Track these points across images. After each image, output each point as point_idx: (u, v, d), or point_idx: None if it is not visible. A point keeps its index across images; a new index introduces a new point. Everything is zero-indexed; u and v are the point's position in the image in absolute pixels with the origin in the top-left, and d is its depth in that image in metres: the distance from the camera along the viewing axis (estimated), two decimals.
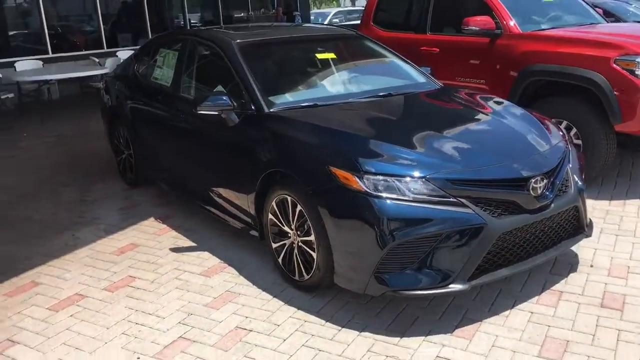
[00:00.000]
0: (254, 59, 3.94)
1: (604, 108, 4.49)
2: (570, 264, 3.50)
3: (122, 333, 3.00)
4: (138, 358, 2.78)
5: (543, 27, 5.30)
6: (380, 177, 2.83)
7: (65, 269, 3.78)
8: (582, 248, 3.69)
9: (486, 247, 2.81)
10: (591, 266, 3.48)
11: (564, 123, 4.75)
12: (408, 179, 2.83)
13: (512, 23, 5.16)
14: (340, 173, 2.90)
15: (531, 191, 2.92)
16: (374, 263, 2.80)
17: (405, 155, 2.96)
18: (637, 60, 4.33)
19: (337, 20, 23.30)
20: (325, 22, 23.46)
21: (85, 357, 2.81)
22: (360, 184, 2.83)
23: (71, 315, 3.20)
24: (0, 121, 8.56)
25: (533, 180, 2.92)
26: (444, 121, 3.52)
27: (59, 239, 4.28)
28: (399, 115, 3.57)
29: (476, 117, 3.59)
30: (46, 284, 3.59)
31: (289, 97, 3.74)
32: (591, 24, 5.65)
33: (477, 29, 5.22)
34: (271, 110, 3.57)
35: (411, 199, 2.79)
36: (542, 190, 2.96)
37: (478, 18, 5.24)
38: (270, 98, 3.66)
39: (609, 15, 10.63)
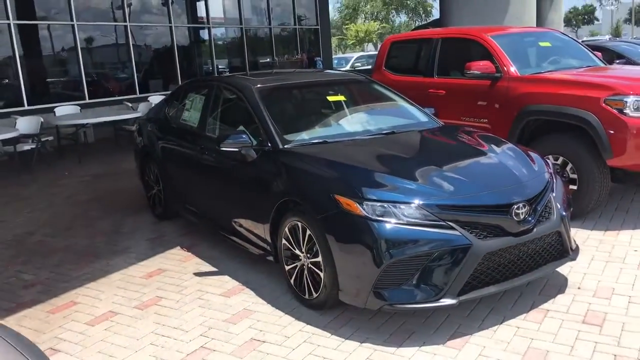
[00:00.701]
0: (271, 102, 4.41)
1: (596, 144, 4.82)
2: (559, 286, 3.79)
3: (150, 343, 3.39)
4: None
5: (541, 70, 5.68)
6: (378, 204, 3.21)
7: (100, 291, 4.20)
8: (572, 273, 3.98)
9: (473, 266, 3.15)
10: (578, 288, 3.76)
11: (560, 159, 5.08)
12: (403, 205, 3.20)
13: (511, 67, 5.56)
14: (343, 200, 3.29)
15: (514, 216, 3.26)
16: (373, 280, 3.15)
17: (401, 185, 3.35)
18: (624, 100, 4.67)
19: (359, 64, 24.10)
20: (348, 66, 24.31)
21: None
22: (360, 209, 3.21)
23: (105, 329, 3.61)
24: (42, 162, 9.20)
25: (516, 207, 3.27)
26: (439, 155, 3.91)
27: (94, 265, 4.72)
28: (398, 150, 3.96)
29: (468, 152, 3.98)
30: (83, 303, 4.01)
31: (301, 135, 4.18)
32: (588, 66, 6.02)
33: (478, 72, 5.63)
34: (285, 146, 4.01)
35: (405, 222, 3.16)
36: (525, 216, 3.30)
37: (480, 63, 5.66)
38: (285, 136, 4.10)
39: (620, 57, 11.00)
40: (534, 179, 3.56)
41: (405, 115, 4.75)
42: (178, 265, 4.63)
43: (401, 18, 52.14)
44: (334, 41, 57.69)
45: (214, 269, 4.49)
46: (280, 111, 4.46)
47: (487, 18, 10.36)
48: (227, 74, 15.71)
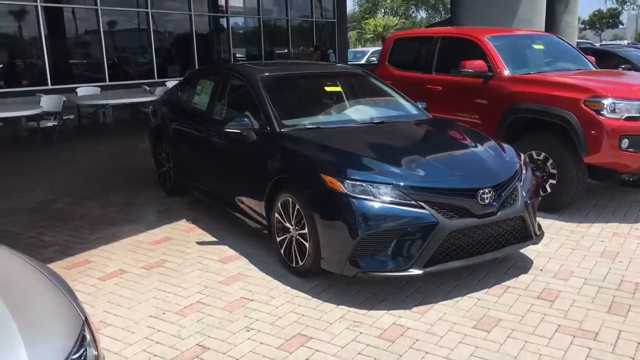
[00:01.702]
0: (273, 89, 4.83)
1: (575, 142, 5.17)
2: (524, 268, 4.18)
3: (153, 297, 3.84)
4: (164, 313, 3.61)
5: (531, 71, 6.03)
6: (358, 183, 3.62)
7: (112, 252, 4.67)
8: (539, 257, 4.37)
9: (438, 241, 3.55)
10: (541, 270, 4.15)
11: (542, 154, 5.45)
12: (380, 185, 3.61)
13: (502, 67, 5.92)
14: (328, 178, 3.71)
15: (479, 200, 3.65)
16: (350, 250, 3.57)
17: (380, 167, 3.76)
18: (602, 102, 5.02)
19: (374, 58, 24.37)
20: (363, 60, 24.61)
21: (124, 311, 3.65)
22: (342, 187, 3.63)
23: (115, 284, 4.07)
24: (62, 139, 9.72)
25: (481, 191, 3.66)
26: (420, 144, 4.32)
27: (107, 231, 5.19)
28: (384, 138, 4.37)
29: (446, 142, 4.38)
30: (96, 262, 4.48)
31: (297, 120, 4.59)
32: (578, 69, 6.35)
33: (471, 71, 6.00)
34: (282, 130, 4.43)
35: (380, 200, 3.56)
36: (489, 200, 3.69)
37: (474, 61, 6.02)
38: (283, 121, 4.52)
39: (627, 63, 11.25)
40: (502, 168, 3.95)
41: (397, 107, 5.15)
42: (183, 235, 5.08)
43: (421, 14, 52.18)
44: (353, 35, 57.83)
45: (215, 240, 4.93)
46: (281, 98, 4.86)
47: (495, 20, 10.59)
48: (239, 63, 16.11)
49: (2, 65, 11.68)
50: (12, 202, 6.16)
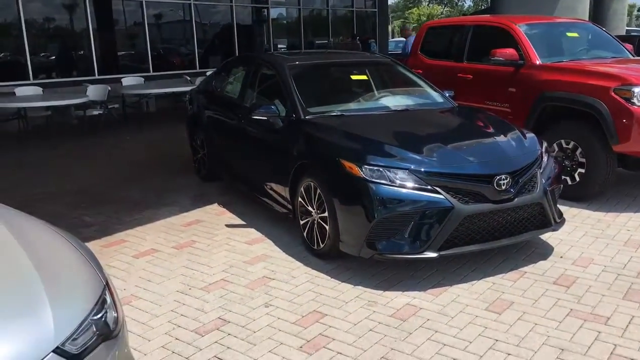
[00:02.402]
0: (300, 78, 4.97)
1: (604, 131, 5.11)
2: (544, 254, 4.21)
3: (181, 274, 4.07)
4: (190, 289, 3.82)
5: (563, 59, 5.96)
6: (375, 168, 3.73)
7: (146, 233, 4.93)
8: (561, 244, 4.38)
9: (453, 225, 3.63)
10: (561, 257, 4.17)
11: (572, 143, 5.41)
12: (397, 170, 3.71)
13: (533, 55, 5.88)
14: (347, 164, 3.83)
15: (496, 186, 3.71)
16: (366, 232, 3.69)
17: (398, 153, 3.85)
18: (633, 89, 4.95)
19: None
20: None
21: (154, 286, 3.89)
22: (360, 172, 3.75)
23: (147, 262, 4.32)
24: (107, 127, 10.15)
25: (498, 177, 3.71)
26: (441, 131, 4.39)
27: (143, 213, 5.47)
28: (405, 125, 4.46)
29: (467, 129, 4.44)
30: (131, 242, 4.75)
31: (322, 108, 4.72)
32: (614, 57, 6.24)
33: (502, 59, 5.99)
34: (307, 117, 4.57)
35: (397, 185, 3.67)
36: (506, 187, 3.73)
37: (505, 50, 6.00)
38: (308, 108, 4.66)
39: None
40: (521, 156, 3.98)
41: (422, 95, 5.22)
42: (213, 218, 5.30)
43: (467, 2, 51.26)
44: (398, 24, 57.30)
45: (243, 223, 5.13)
46: (308, 86, 5.00)
47: (537, 8, 10.42)
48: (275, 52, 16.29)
49: (53, 57, 12.24)
50: (58, 186, 6.53)
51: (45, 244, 2.34)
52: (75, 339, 1.89)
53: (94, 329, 1.98)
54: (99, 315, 2.04)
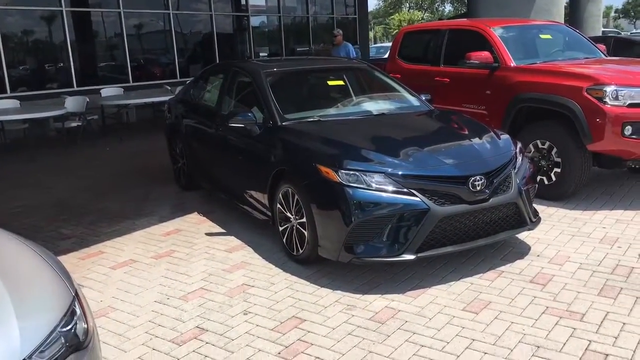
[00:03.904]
0: (276, 84, 4.98)
1: (578, 131, 5.18)
2: (521, 254, 4.25)
3: (159, 284, 4.04)
4: (168, 298, 3.80)
5: (536, 61, 6.04)
6: (352, 172, 3.74)
7: (124, 244, 4.89)
8: (537, 243, 4.42)
9: (430, 227, 3.65)
10: (537, 256, 4.21)
11: (547, 143, 5.47)
12: (373, 174, 3.73)
13: (507, 58, 5.94)
14: (324, 169, 3.84)
15: (471, 187, 3.74)
16: (344, 236, 3.70)
17: (374, 157, 3.87)
18: (604, 89, 5.02)
19: None
20: (386, 55, 24.66)
21: (131, 296, 3.86)
22: (337, 176, 3.76)
23: (125, 272, 4.28)
24: (87, 138, 10.07)
25: (472, 179, 3.74)
26: (417, 134, 4.42)
27: (122, 224, 5.42)
28: (382, 129, 4.48)
29: (443, 132, 4.47)
30: (109, 253, 4.71)
31: (298, 114, 4.73)
32: (587, 58, 6.34)
33: (477, 62, 6.05)
34: (284, 123, 4.57)
35: (374, 188, 3.68)
36: (481, 187, 3.76)
37: (480, 53, 6.07)
38: (285, 115, 4.67)
39: None
40: (495, 157, 4.02)
41: (399, 100, 5.25)
42: (193, 226, 5.28)
43: (446, 7, 51.74)
44: (379, 30, 57.71)
45: (223, 231, 5.11)
46: (284, 92, 5.01)
47: (513, 11, 10.54)
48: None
49: (31, 69, 12.12)
50: (36, 198, 6.46)
51: (12, 255, 2.31)
52: (42, 351, 1.88)
53: (63, 341, 1.96)
54: (68, 327, 2.02)
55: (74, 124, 9.76)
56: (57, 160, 8.71)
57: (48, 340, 1.90)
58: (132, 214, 5.73)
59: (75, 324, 2.07)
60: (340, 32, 11.14)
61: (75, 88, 11.87)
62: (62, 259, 4.56)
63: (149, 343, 3.24)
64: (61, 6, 11.82)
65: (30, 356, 1.83)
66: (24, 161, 8.67)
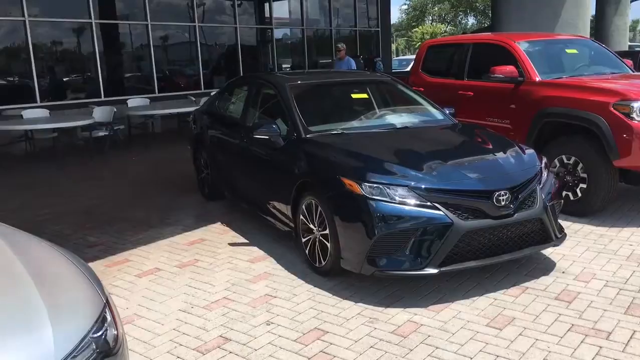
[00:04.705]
0: (301, 97, 5.04)
1: (604, 146, 5.13)
2: (546, 270, 4.21)
3: (184, 293, 4.09)
4: (192, 307, 3.84)
5: (562, 75, 6.00)
6: (375, 185, 3.76)
7: (149, 252, 4.97)
8: (563, 260, 4.38)
9: (453, 242, 3.64)
10: (563, 272, 4.16)
11: (573, 159, 5.42)
12: (397, 187, 3.74)
13: (533, 72, 5.92)
14: (347, 181, 3.87)
15: (495, 202, 3.73)
16: (367, 249, 3.71)
17: (397, 170, 3.89)
18: (632, 105, 4.97)
19: None
20: (409, 68, 24.66)
21: (156, 304, 3.91)
22: (360, 189, 3.78)
23: (150, 281, 4.34)
24: (113, 148, 10.26)
25: (497, 193, 3.73)
26: (441, 147, 4.42)
27: (147, 233, 5.51)
28: (405, 142, 4.50)
29: (467, 146, 4.47)
30: (135, 261, 4.78)
31: (323, 127, 4.77)
32: (613, 73, 6.28)
33: (502, 76, 6.04)
34: (308, 136, 4.62)
35: (397, 202, 3.69)
36: (505, 202, 3.75)
37: (504, 67, 6.06)
38: (309, 127, 4.71)
39: None
40: (521, 172, 4.01)
41: (422, 113, 5.26)
42: (217, 236, 5.33)
43: (469, 20, 51.63)
44: (402, 42, 57.74)
45: (246, 241, 5.16)
46: (308, 105, 5.05)
47: (537, 24, 10.50)
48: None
49: (60, 80, 12.40)
50: (64, 206, 6.59)
51: (46, 262, 2.38)
52: (75, 356, 1.92)
53: (94, 347, 2.01)
54: (99, 333, 2.07)
55: (101, 134, 9.95)
56: (84, 169, 8.88)
57: (80, 346, 1.95)
58: (157, 223, 5.81)
59: (106, 330, 2.12)
60: (344, 46, 11.37)
61: (103, 98, 12.11)
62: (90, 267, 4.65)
63: (174, 351, 3.28)
64: (90, 18, 12.11)
65: None
66: (52, 169, 8.86)
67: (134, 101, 11.70)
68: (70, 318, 2.05)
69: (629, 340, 3.17)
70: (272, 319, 3.62)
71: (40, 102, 11.33)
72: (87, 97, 12.20)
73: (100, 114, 9.93)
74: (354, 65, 11.19)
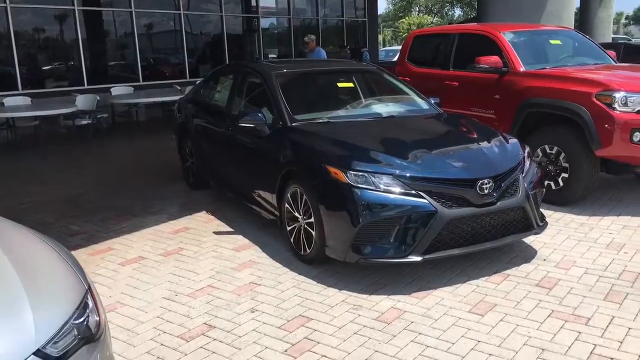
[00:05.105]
0: (286, 85, 5.02)
1: (586, 136, 5.19)
2: (527, 258, 4.26)
3: (168, 281, 4.08)
4: (176, 295, 3.84)
5: (548, 66, 6.04)
6: (360, 173, 3.77)
7: (133, 241, 4.94)
8: (544, 248, 4.43)
9: (437, 230, 3.67)
10: (544, 260, 4.22)
11: (555, 149, 5.48)
12: (381, 175, 3.76)
13: (517, 62, 5.95)
14: (332, 169, 3.87)
15: (478, 190, 3.76)
16: (352, 237, 3.73)
17: (382, 159, 3.90)
18: (614, 95, 5.03)
19: None
20: (395, 58, 24.66)
21: (139, 292, 3.90)
22: (345, 177, 3.79)
23: (133, 269, 4.33)
24: (96, 136, 10.15)
25: (480, 182, 3.76)
26: (425, 137, 4.45)
27: (131, 221, 5.47)
28: (391, 131, 4.51)
29: (451, 135, 4.50)
30: (118, 250, 4.75)
31: (309, 115, 4.76)
32: (596, 64, 6.34)
33: (486, 66, 6.06)
34: (293, 124, 4.61)
35: (382, 190, 3.71)
36: (488, 191, 3.79)
37: (489, 57, 6.08)
38: (295, 115, 4.70)
39: None
40: (504, 160, 4.04)
41: (407, 102, 5.28)
42: (201, 225, 5.32)
43: (456, 12, 51.69)
44: (388, 33, 57.69)
45: (231, 230, 5.15)
46: (294, 94, 5.04)
47: (523, 16, 10.54)
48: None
49: (42, 67, 12.23)
50: (47, 195, 6.53)
51: (28, 248, 2.36)
52: (56, 342, 1.91)
53: (76, 333, 2.00)
54: (80, 319, 2.06)
55: (84, 122, 9.85)
56: (67, 158, 8.79)
57: (61, 332, 1.94)
58: (141, 212, 5.78)
59: (88, 316, 2.11)
60: (313, 37, 11.54)
61: (86, 86, 11.99)
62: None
63: (157, 338, 3.27)
64: (73, 5, 11.95)
65: (44, 347, 1.86)
66: (34, 158, 8.75)
67: (117, 89, 11.58)
68: (51, 304, 2.03)
69: (607, 326, 3.23)
70: (256, 306, 3.63)
71: (22, 89, 11.19)
72: (70, 85, 12.06)
73: (83, 102, 9.82)
74: (324, 55, 11.39)
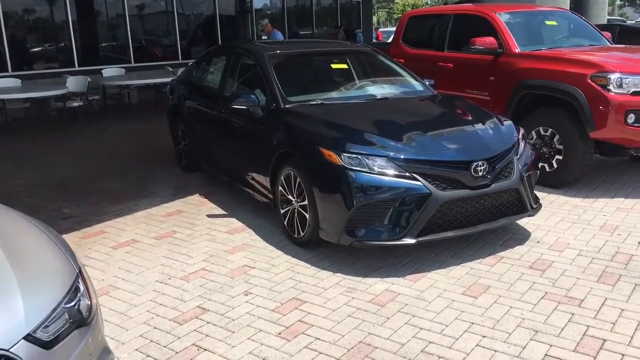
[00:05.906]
0: (280, 66, 4.96)
1: (581, 118, 5.17)
2: (521, 240, 4.26)
3: (161, 264, 4.06)
4: (169, 278, 3.82)
5: (543, 47, 5.99)
6: (354, 155, 3.74)
7: (126, 224, 4.91)
8: (537, 230, 4.44)
9: (431, 212, 3.66)
10: (537, 242, 4.22)
11: (550, 130, 5.46)
12: (375, 157, 3.73)
13: (512, 43, 5.91)
14: (326, 152, 3.84)
15: (473, 172, 3.74)
16: (345, 219, 3.71)
17: (377, 141, 3.87)
18: (608, 76, 5.00)
19: None
20: (390, 39, 24.50)
21: (132, 276, 3.88)
22: (339, 160, 3.76)
23: (126, 252, 4.30)
24: (88, 119, 10.06)
25: (475, 164, 3.74)
26: (420, 118, 4.41)
27: (124, 204, 5.43)
28: (385, 113, 4.47)
29: (446, 117, 4.47)
30: (111, 233, 4.72)
31: (302, 97, 4.71)
32: (592, 45, 6.30)
33: (482, 47, 6.01)
34: (287, 106, 4.56)
35: (376, 172, 3.68)
36: (483, 173, 3.77)
37: (484, 38, 6.03)
38: (288, 97, 4.65)
39: None
40: (498, 142, 4.02)
41: (402, 84, 5.23)
42: (195, 208, 5.29)
43: None
44: (383, 14, 57.23)
45: (225, 213, 5.12)
46: (288, 75, 4.99)
47: None
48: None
49: (33, 49, 12.06)
50: (37, 178, 6.47)
51: (16, 232, 2.32)
52: (47, 326, 1.89)
53: (67, 317, 1.98)
54: (71, 303, 2.04)
55: (75, 104, 9.73)
56: (58, 140, 8.70)
57: (52, 316, 1.92)
58: (133, 195, 5.73)
59: (79, 300, 2.09)
60: (266, 21, 11.73)
61: (77, 68, 11.85)
62: (64, 238, 4.58)
63: (150, 322, 3.26)
64: None
65: (34, 331, 1.84)
66: (25, 140, 8.66)
67: (109, 71, 11.43)
68: (41, 288, 2.01)
69: (600, 307, 3.24)
70: (250, 289, 3.62)
71: (12, 71, 11.03)
72: (60, 66, 11.91)
73: (74, 84, 9.69)
74: (280, 37, 11.61)
